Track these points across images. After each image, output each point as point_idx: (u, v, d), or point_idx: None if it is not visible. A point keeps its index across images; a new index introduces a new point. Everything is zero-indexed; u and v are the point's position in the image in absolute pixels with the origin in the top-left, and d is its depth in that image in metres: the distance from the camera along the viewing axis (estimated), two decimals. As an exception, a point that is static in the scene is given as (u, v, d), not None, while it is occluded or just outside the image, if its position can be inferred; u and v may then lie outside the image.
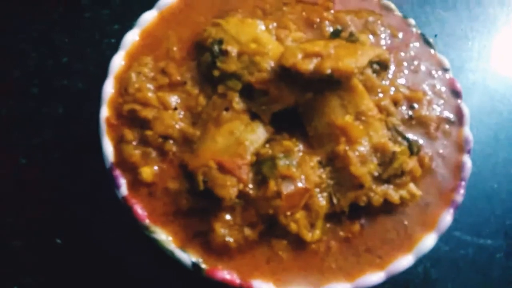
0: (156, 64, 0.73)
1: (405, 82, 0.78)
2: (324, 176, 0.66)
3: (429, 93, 0.78)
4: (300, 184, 0.64)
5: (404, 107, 0.75)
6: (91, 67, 0.87)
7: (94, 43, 0.90)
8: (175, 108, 0.70)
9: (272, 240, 0.65)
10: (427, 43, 0.83)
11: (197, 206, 0.64)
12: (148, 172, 0.66)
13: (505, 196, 0.88)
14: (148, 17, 0.77)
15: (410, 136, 0.73)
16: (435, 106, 0.77)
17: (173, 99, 0.70)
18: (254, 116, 0.69)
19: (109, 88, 0.70)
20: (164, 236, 0.63)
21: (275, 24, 0.77)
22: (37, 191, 0.78)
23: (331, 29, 0.79)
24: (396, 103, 0.74)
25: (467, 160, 0.73)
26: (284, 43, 0.74)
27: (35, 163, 0.79)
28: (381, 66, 0.75)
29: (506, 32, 1.06)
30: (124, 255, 0.74)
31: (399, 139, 0.69)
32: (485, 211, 0.86)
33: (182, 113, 0.70)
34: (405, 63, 0.80)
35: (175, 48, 0.75)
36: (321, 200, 0.65)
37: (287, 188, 0.63)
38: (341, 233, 0.67)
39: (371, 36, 0.80)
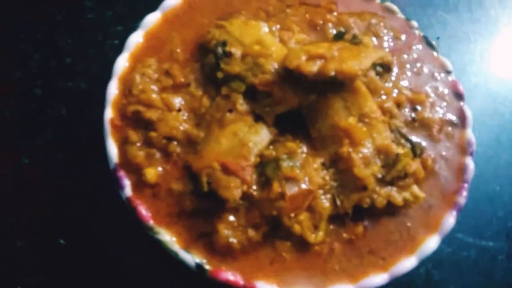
0: (160, 65, 0.73)
1: (408, 84, 0.78)
2: (327, 177, 0.66)
3: (432, 95, 0.78)
4: (303, 186, 0.64)
5: (407, 109, 0.76)
6: (94, 68, 0.87)
7: (97, 44, 0.90)
8: (179, 110, 0.70)
9: (276, 241, 0.65)
10: (429, 45, 0.83)
11: (201, 207, 0.64)
12: (152, 173, 0.66)
13: (507, 198, 0.88)
14: (152, 19, 0.77)
15: (413, 138, 0.73)
16: (438, 108, 0.77)
17: (177, 101, 0.71)
18: (258, 118, 0.69)
19: (113, 90, 0.71)
20: (168, 237, 0.63)
21: (278, 26, 0.77)
22: (38, 191, 0.78)
23: (334, 31, 0.79)
24: (399, 105, 0.75)
25: (470, 162, 0.74)
26: (287, 45, 0.75)
27: (38, 164, 0.79)
28: (384, 68, 0.76)
29: (508, 34, 1.07)
30: (124, 255, 0.74)
31: (402, 141, 0.70)
32: (487, 213, 0.86)
33: (186, 114, 0.70)
34: (408, 65, 0.80)
35: (178, 50, 0.75)
36: (325, 202, 0.65)
37: (290, 190, 0.63)
38: (345, 235, 0.67)
39: (374, 38, 0.81)
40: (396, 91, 0.76)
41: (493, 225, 0.85)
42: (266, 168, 0.64)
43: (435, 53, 0.83)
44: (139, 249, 0.73)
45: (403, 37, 0.83)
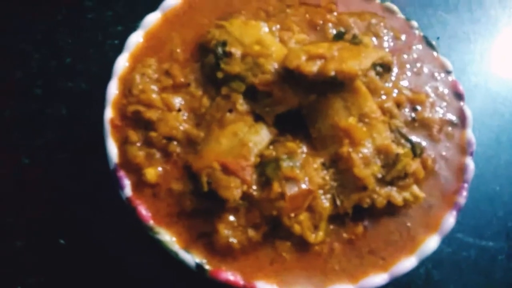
0: (160, 65, 0.73)
1: (408, 84, 0.78)
2: (327, 177, 0.66)
3: (432, 95, 0.78)
4: (303, 186, 0.64)
5: (407, 109, 0.76)
6: (94, 68, 0.87)
7: (97, 44, 0.90)
8: (179, 110, 0.70)
9: (276, 241, 0.65)
10: (429, 45, 0.83)
11: (201, 207, 0.64)
12: (152, 173, 0.66)
13: (507, 198, 0.88)
14: (152, 19, 0.77)
15: (413, 138, 0.73)
16: (438, 108, 0.77)
17: (177, 101, 0.71)
18: (258, 118, 0.69)
19: (113, 90, 0.71)
20: (168, 237, 0.64)
21: (278, 26, 0.77)
22: (38, 191, 0.78)
23: (334, 31, 0.79)
24: (399, 105, 0.75)
25: (470, 162, 0.74)
26: (287, 45, 0.75)
27: (38, 164, 0.79)
28: (384, 68, 0.76)
29: (508, 34, 1.07)
30: (124, 255, 0.74)
31: (402, 141, 0.70)
32: (487, 213, 0.86)
33: (186, 114, 0.70)
34: (408, 65, 0.80)
35: (178, 50, 0.75)
36: (325, 202, 0.65)
37: (290, 190, 0.63)
38: (345, 235, 0.67)
39: (374, 38, 0.81)
40: (396, 91, 0.76)
41: (493, 225, 0.85)
42: (266, 168, 0.64)
43: (435, 53, 0.83)
44: (139, 249, 0.73)
45: (403, 37, 0.83)
